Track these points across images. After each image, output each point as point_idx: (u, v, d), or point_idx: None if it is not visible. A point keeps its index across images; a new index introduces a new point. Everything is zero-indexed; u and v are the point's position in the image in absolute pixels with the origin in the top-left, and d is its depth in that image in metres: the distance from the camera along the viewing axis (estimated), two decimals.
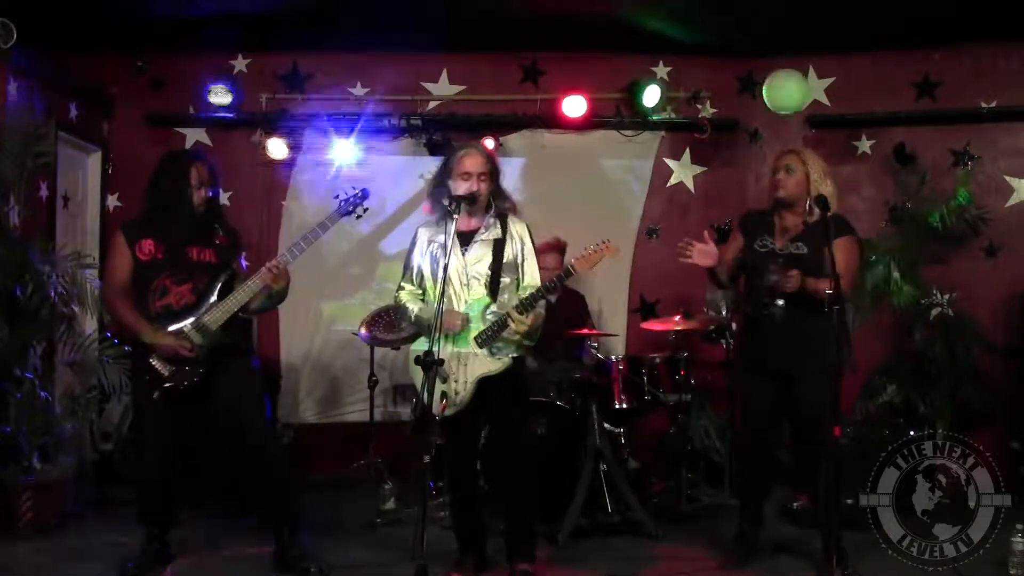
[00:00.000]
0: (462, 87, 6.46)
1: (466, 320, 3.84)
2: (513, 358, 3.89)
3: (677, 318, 5.40)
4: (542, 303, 3.86)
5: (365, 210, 4.17)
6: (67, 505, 4.92)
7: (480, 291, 3.88)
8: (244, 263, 4.20)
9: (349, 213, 4.13)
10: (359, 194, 4.14)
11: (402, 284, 4.05)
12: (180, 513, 4.37)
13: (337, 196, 4.17)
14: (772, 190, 4.21)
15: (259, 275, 3.99)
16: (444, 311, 3.65)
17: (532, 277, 3.93)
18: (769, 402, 4.20)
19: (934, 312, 5.93)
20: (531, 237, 4.00)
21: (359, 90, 6.40)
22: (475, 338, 3.85)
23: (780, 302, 4.03)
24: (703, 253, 4.21)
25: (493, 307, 3.87)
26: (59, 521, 4.80)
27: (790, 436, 4.50)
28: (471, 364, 3.84)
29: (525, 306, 3.77)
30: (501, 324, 3.82)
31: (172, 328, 3.94)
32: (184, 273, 4.01)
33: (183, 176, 4.02)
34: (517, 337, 3.82)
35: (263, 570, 4.11)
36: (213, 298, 4.00)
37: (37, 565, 4.25)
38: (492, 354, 3.85)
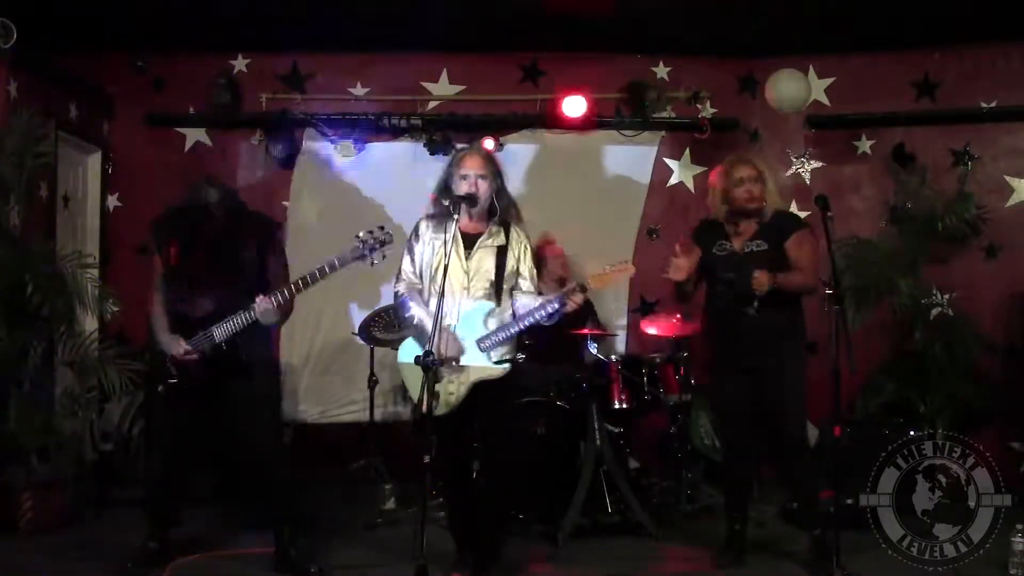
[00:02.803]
0: (462, 87, 6.45)
1: (462, 349, 3.82)
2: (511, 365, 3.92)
3: (676, 318, 5.40)
4: None
5: (384, 257, 3.82)
6: (67, 505, 4.92)
7: (480, 296, 3.88)
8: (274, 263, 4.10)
9: (365, 257, 3.80)
10: (382, 238, 3.80)
11: (402, 275, 4.01)
12: (182, 512, 4.37)
13: (358, 235, 3.80)
14: (743, 201, 4.22)
15: (256, 305, 3.89)
16: (444, 339, 3.69)
17: (532, 280, 3.99)
18: (743, 398, 4.22)
19: (934, 312, 5.94)
20: (529, 242, 4.05)
21: (359, 90, 6.40)
22: (477, 341, 3.85)
23: (756, 303, 4.06)
24: (678, 268, 4.24)
25: (496, 312, 3.88)
26: (59, 521, 4.80)
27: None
28: (470, 367, 3.84)
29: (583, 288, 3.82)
30: (516, 320, 3.85)
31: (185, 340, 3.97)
32: (205, 283, 4.00)
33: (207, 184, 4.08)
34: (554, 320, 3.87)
35: (263, 570, 4.11)
36: (227, 313, 3.93)
37: (37, 565, 4.25)
38: (492, 359, 3.86)
